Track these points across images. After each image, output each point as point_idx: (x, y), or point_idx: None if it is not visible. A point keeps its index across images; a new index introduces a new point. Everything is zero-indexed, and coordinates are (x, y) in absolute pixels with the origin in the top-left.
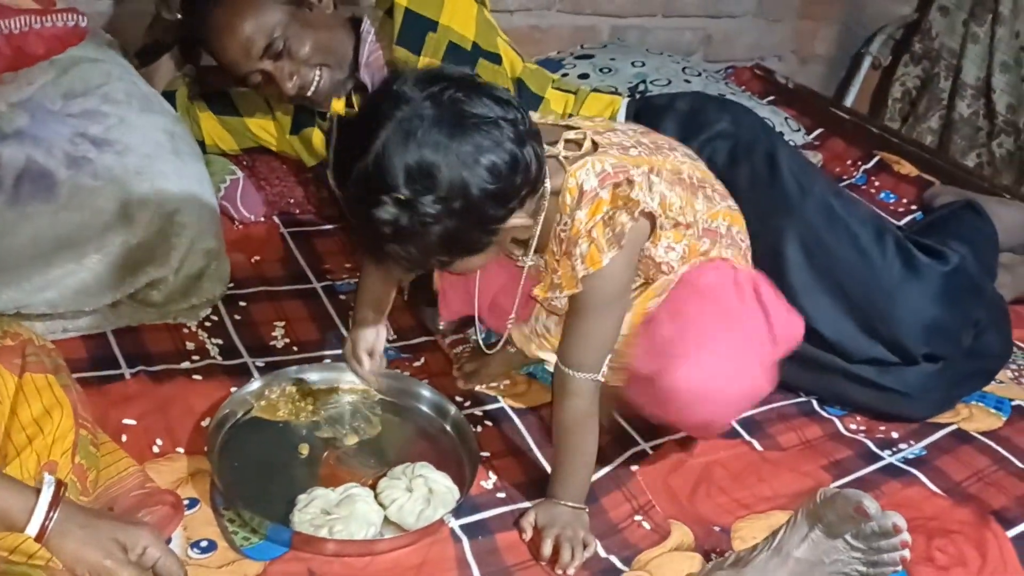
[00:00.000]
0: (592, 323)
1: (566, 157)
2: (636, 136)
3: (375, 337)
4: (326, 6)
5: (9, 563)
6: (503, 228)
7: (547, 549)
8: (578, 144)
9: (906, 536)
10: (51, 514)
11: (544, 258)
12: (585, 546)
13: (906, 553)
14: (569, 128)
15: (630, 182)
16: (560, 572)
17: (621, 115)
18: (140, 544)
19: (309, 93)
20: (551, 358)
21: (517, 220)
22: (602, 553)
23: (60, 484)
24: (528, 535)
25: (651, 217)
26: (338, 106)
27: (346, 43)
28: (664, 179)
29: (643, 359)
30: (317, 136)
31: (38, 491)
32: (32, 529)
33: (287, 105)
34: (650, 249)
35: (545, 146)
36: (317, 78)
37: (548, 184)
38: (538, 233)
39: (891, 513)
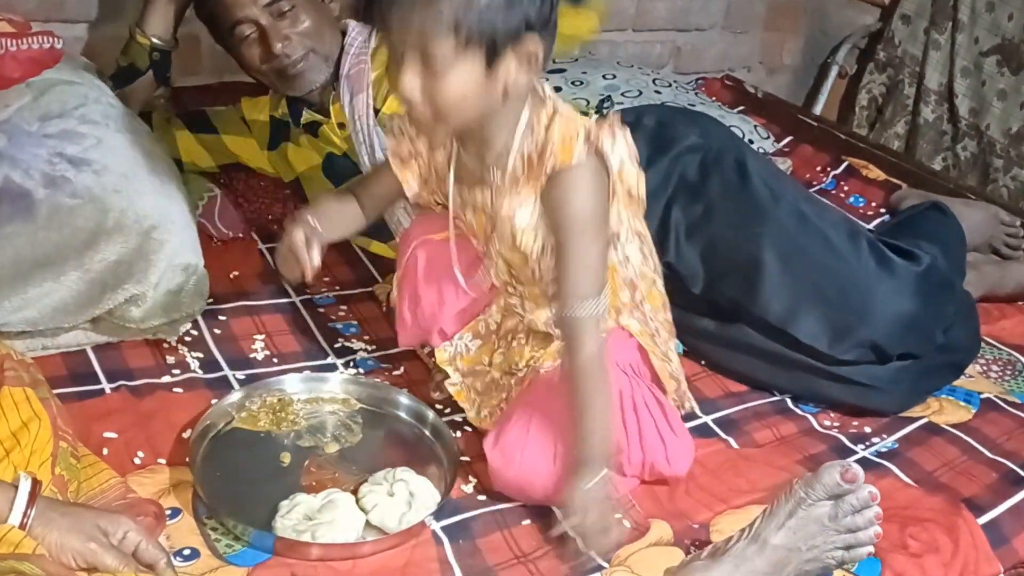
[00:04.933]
0: (574, 247)
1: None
2: None
3: (317, 239)
4: (333, 7)
5: None
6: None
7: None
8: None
9: (878, 509)
10: (31, 504)
11: (504, 177)
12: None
13: (879, 529)
14: None
15: (609, 127)
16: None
17: None
18: (121, 530)
19: (291, 70)
20: (455, 381)
21: (511, 66)
22: (583, 549)
23: (36, 480)
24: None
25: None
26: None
27: (334, 47)
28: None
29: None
30: (292, 151)
31: (16, 487)
32: (15, 518)
33: (263, 121)
34: None
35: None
36: (301, 59)
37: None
38: (508, 144)
39: (866, 484)
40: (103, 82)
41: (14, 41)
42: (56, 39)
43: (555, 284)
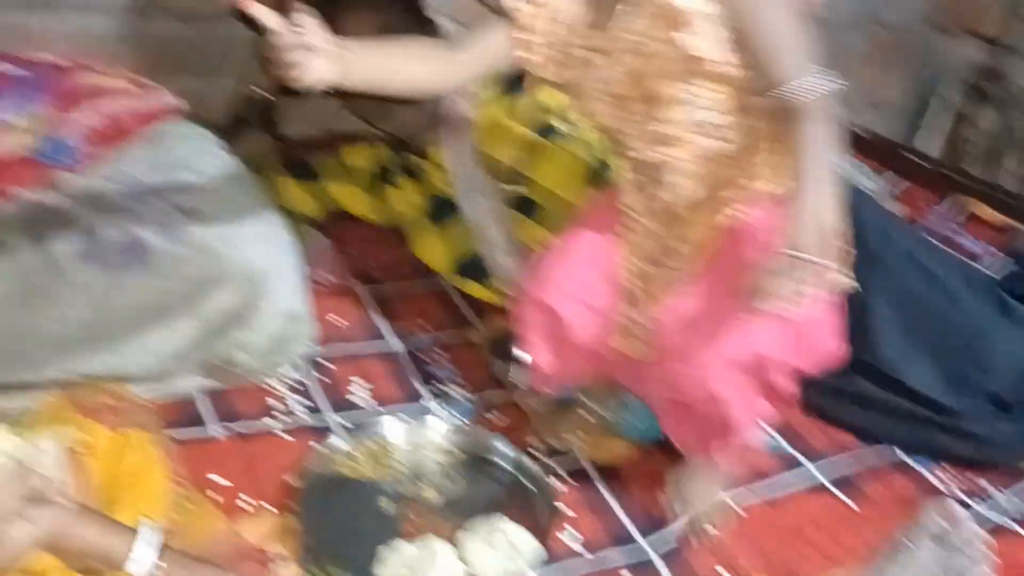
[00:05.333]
0: (766, 18)
1: None
2: None
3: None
4: None
5: None
6: None
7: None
8: None
9: (986, 550)
10: (161, 556)
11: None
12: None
13: (990, 572)
14: None
15: None
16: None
17: None
18: None
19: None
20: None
21: None
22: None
23: (164, 530)
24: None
25: None
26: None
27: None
28: None
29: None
30: (393, 194)
31: (135, 532)
32: (138, 568)
33: (365, 168)
34: None
35: None
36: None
37: None
38: None
39: (968, 523)
40: (212, 133)
41: (131, 97)
42: (169, 94)
43: (760, 71)
